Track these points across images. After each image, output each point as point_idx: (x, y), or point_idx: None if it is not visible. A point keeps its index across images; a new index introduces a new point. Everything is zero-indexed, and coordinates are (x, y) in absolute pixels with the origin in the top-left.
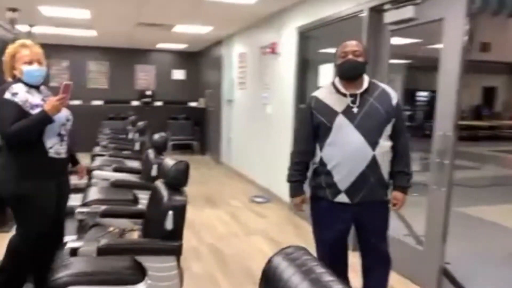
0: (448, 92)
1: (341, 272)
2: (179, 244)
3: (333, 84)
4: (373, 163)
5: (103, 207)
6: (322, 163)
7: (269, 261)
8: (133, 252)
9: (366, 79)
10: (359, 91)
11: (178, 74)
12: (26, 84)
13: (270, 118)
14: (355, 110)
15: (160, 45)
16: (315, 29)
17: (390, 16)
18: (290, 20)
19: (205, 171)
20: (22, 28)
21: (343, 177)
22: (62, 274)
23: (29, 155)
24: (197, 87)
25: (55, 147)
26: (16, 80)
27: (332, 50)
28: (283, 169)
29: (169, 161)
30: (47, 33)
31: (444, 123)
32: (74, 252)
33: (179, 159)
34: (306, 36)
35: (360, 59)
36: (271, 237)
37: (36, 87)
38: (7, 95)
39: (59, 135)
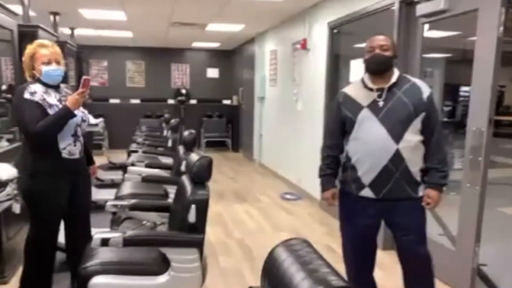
0: (483, 86)
1: (365, 270)
2: (202, 237)
3: (362, 80)
4: (397, 157)
5: (133, 201)
6: (347, 157)
7: (271, 252)
8: (157, 244)
9: (395, 73)
10: (386, 85)
11: (212, 73)
12: (44, 84)
13: (301, 114)
14: (380, 104)
15: (195, 44)
16: (346, 24)
17: (422, 8)
18: (321, 15)
19: (237, 168)
20: (64, 31)
21: (366, 170)
22: (90, 263)
23: (43, 155)
24: (230, 85)
25: (68, 148)
26: (35, 80)
27: (363, 45)
28: (313, 166)
29: (194, 156)
30: (87, 35)
31: (478, 118)
32: (103, 242)
33: (203, 155)
34: (337, 31)
35: (387, 53)
36: (299, 234)
37: (55, 87)
38: (27, 95)
39: (74, 135)
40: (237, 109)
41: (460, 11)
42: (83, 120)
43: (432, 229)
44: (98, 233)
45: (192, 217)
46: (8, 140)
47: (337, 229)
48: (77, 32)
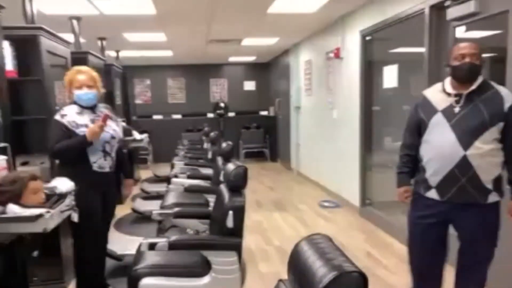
0: None
1: (433, 277)
2: (239, 240)
3: (443, 83)
4: (465, 164)
5: (176, 209)
6: (420, 158)
7: (296, 245)
8: (199, 247)
9: (479, 79)
10: (465, 92)
11: (249, 85)
12: (80, 105)
13: (337, 122)
14: (456, 110)
15: (232, 59)
16: (378, 31)
17: (453, 12)
18: (353, 24)
19: (275, 177)
20: (110, 53)
21: (433, 173)
22: (140, 266)
23: (75, 167)
24: (267, 96)
25: (98, 161)
26: (72, 102)
27: (396, 51)
28: (351, 173)
29: (230, 166)
30: (131, 56)
31: None
32: (150, 247)
33: (239, 164)
34: (369, 39)
35: (478, 62)
36: (338, 242)
37: (91, 108)
38: (57, 117)
39: (103, 151)
40: (274, 120)
41: (490, 13)
42: (113, 137)
43: None
44: (146, 238)
45: (230, 222)
46: None
47: (377, 236)
48: (122, 54)
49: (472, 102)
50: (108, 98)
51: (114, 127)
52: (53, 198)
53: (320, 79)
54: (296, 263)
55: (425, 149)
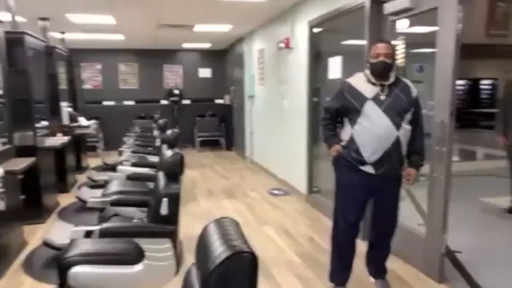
0: (444, 79)
1: (352, 245)
2: (174, 228)
3: (365, 74)
4: (397, 142)
5: (114, 197)
6: (352, 140)
7: (205, 227)
8: (131, 235)
9: (392, 74)
10: (387, 83)
11: (205, 73)
12: None
13: (287, 112)
14: (382, 97)
15: (185, 45)
16: (325, 23)
17: (389, 7)
18: (301, 14)
19: (229, 166)
20: (55, 35)
21: (371, 153)
22: (69, 254)
23: None
24: (222, 84)
25: None
26: None
27: (342, 43)
28: (300, 162)
29: (168, 153)
30: (79, 38)
31: (441, 111)
32: (88, 235)
33: (176, 152)
34: (317, 30)
35: (390, 61)
36: (283, 228)
37: None
38: None
39: None
40: (229, 108)
41: (422, 9)
42: None
43: (414, 220)
44: (77, 226)
45: (164, 209)
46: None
47: (321, 223)
48: (69, 36)
49: (393, 91)
50: (51, 82)
51: None
52: None
53: (272, 69)
54: (202, 243)
55: (360, 132)
